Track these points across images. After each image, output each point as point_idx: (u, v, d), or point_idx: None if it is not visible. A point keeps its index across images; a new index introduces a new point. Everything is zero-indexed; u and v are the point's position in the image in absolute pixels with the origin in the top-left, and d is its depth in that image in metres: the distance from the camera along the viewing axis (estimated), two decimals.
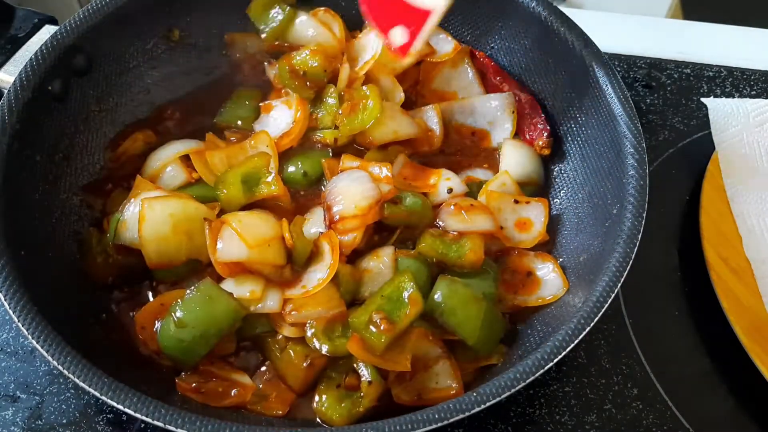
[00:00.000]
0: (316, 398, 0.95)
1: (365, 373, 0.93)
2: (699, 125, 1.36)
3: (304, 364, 0.95)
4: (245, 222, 1.00)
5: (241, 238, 0.98)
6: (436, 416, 0.79)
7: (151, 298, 1.04)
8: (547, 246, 1.09)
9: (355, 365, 0.94)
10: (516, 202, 1.09)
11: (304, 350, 0.95)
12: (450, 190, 1.09)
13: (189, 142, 1.14)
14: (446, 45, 1.21)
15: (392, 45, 0.99)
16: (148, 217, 0.99)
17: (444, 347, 0.95)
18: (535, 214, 1.09)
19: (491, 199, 1.08)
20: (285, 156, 1.13)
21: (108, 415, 1.00)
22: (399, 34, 0.99)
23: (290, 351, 0.96)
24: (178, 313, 0.93)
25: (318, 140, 1.12)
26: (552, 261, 1.05)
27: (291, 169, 1.12)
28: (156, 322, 0.97)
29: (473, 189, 1.12)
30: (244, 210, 1.05)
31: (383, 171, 1.06)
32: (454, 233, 1.03)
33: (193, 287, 0.95)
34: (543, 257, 1.06)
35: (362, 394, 0.92)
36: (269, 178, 1.06)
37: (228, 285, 0.98)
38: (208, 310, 0.93)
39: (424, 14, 0.97)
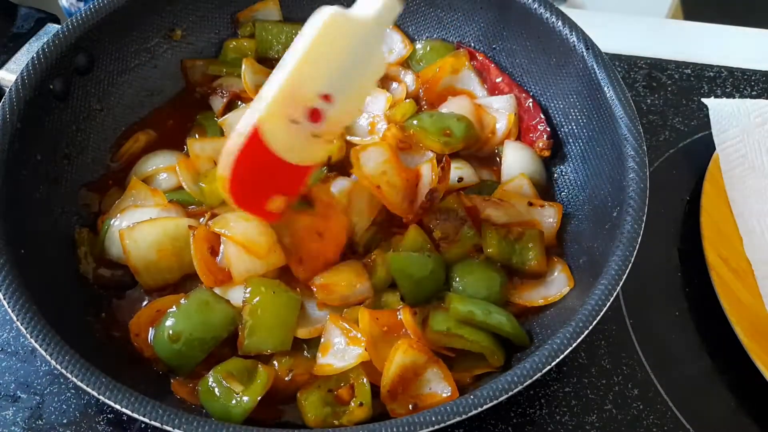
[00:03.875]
0: (303, 391, 0.94)
1: (360, 394, 0.91)
2: (700, 125, 1.36)
3: (286, 378, 0.94)
4: (244, 232, 0.98)
5: (249, 250, 0.97)
6: (433, 419, 0.79)
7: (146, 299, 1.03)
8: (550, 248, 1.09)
9: (354, 382, 0.93)
10: (530, 204, 1.08)
11: (289, 362, 0.95)
12: (461, 179, 1.10)
13: (178, 154, 1.14)
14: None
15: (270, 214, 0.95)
16: (131, 248, 0.99)
17: (429, 353, 0.94)
18: (546, 218, 1.08)
19: (505, 199, 1.08)
20: None
21: (108, 415, 1.00)
22: (276, 202, 0.94)
23: (275, 362, 0.95)
24: (171, 323, 0.92)
25: None
26: (561, 263, 1.05)
27: None
28: (150, 329, 0.97)
29: (485, 187, 1.12)
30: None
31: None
32: (518, 230, 1.05)
33: (185, 297, 0.95)
34: (552, 259, 1.06)
35: (347, 410, 0.91)
36: None
37: (222, 290, 0.98)
38: (203, 317, 0.93)
39: (302, 172, 0.94)
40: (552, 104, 1.18)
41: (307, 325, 0.98)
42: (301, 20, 1.26)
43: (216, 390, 0.90)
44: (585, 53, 1.08)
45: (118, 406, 0.79)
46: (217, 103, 1.21)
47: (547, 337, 0.94)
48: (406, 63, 1.27)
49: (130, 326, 0.97)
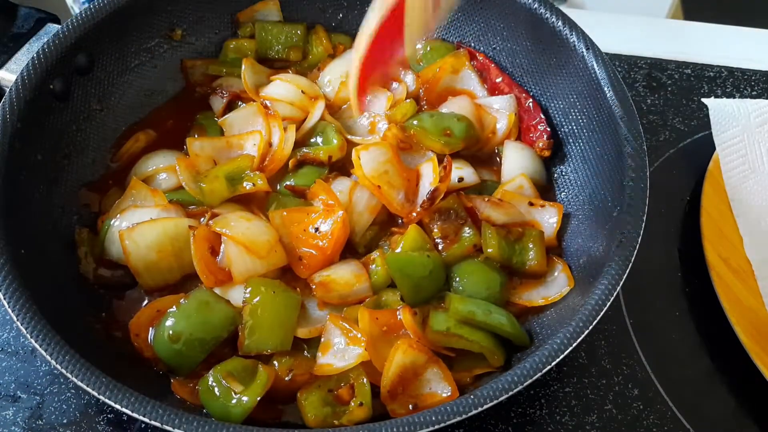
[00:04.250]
0: (303, 391, 0.94)
1: (360, 393, 0.91)
2: (700, 125, 1.36)
3: (286, 378, 0.94)
4: (245, 232, 0.98)
5: (249, 250, 0.97)
6: (433, 419, 0.79)
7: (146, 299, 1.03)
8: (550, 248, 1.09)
9: (354, 382, 0.93)
10: (531, 204, 1.08)
11: (289, 362, 0.95)
12: (461, 179, 1.09)
13: (177, 154, 1.14)
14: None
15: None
16: (131, 249, 0.99)
17: (429, 353, 0.94)
18: (546, 218, 1.08)
19: (506, 199, 1.08)
20: (279, 175, 1.12)
21: (108, 415, 1.00)
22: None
23: (275, 362, 0.95)
24: (171, 323, 0.92)
25: (312, 157, 1.11)
26: (561, 263, 1.05)
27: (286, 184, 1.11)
28: (150, 329, 0.97)
29: (485, 187, 1.12)
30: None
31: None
32: (518, 230, 1.05)
33: (185, 297, 0.95)
34: (552, 259, 1.06)
35: (347, 410, 0.91)
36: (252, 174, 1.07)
37: (222, 290, 0.98)
38: (203, 317, 0.93)
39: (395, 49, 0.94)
40: (552, 104, 1.18)
41: (307, 325, 0.98)
42: (301, 20, 1.27)
43: (216, 390, 0.90)
44: (585, 53, 1.08)
45: (118, 406, 0.79)
46: (217, 103, 1.21)
47: (547, 337, 0.95)
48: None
49: (130, 326, 0.97)
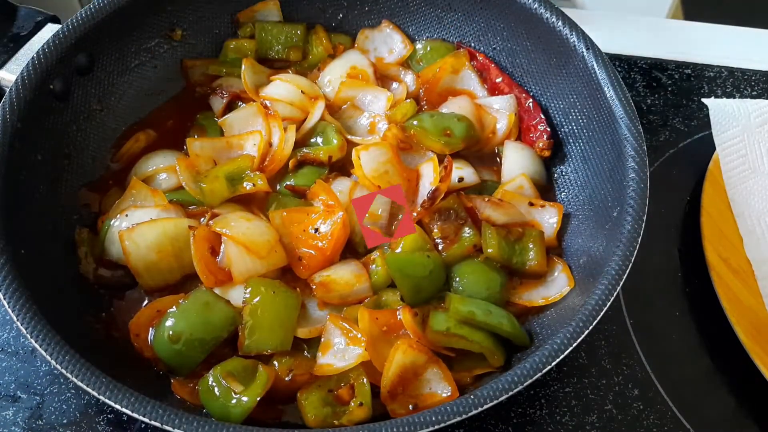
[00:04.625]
0: (303, 391, 0.94)
1: (360, 393, 0.91)
2: (700, 126, 1.36)
3: (286, 378, 0.94)
4: (245, 232, 0.98)
5: (250, 250, 0.97)
6: (433, 419, 0.79)
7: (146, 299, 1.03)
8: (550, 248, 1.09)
9: (354, 382, 0.93)
10: (531, 204, 1.08)
11: (289, 362, 0.95)
12: (461, 179, 1.09)
13: (177, 154, 1.14)
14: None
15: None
16: (131, 249, 0.99)
17: (429, 353, 0.94)
18: (546, 218, 1.08)
19: (506, 199, 1.08)
20: (279, 175, 1.12)
21: (108, 416, 1.00)
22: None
23: (275, 362, 0.95)
24: (171, 324, 0.92)
25: (312, 157, 1.11)
26: (561, 263, 1.05)
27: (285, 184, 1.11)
28: (150, 329, 0.97)
29: (485, 187, 1.12)
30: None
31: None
32: (519, 230, 1.05)
33: (185, 297, 0.95)
34: (552, 259, 1.06)
35: (347, 410, 0.91)
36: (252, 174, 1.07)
37: (222, 290, 0.98)
38: (203, 318, 0.93)
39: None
40: (552, 104, 1.18)
41: (308, 325, 0.98)
42: (301, 20, 1.27)
43: (216, 390, 0.90)
44: (585, 53, 1.08)
45: (118, 406, 0.79)
46: (217, 103, 1.20)
47: (547, 337, 0.95)
48: (406, 63, 1.27)
49: (130, 326, 0.97)
